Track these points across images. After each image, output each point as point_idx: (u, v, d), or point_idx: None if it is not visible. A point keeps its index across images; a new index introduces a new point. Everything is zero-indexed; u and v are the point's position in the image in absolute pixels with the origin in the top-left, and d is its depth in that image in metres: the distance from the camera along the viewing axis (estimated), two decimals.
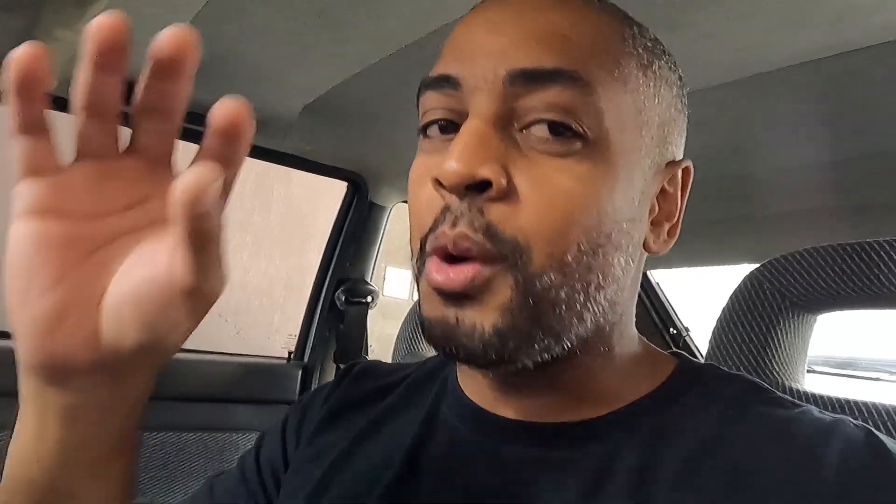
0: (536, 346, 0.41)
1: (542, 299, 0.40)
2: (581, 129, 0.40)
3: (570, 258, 0.40)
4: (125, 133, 0.31)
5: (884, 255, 0.70)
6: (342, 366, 1.21)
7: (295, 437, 0.58)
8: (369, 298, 1.53)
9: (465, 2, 0.45)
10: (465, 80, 0.42)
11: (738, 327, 0.77)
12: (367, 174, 1.43)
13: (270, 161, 1.33)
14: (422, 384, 0.55)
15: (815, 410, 0.43)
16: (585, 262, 0.41)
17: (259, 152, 1.29)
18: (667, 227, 0.48)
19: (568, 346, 0.42)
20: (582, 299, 0.41)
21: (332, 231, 1.52)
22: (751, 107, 0.87)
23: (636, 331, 0.49)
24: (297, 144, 1.27)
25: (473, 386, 0.49)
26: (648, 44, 0.45)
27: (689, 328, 1.78)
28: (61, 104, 1.10)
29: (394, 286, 2.98)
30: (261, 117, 1.11)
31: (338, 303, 1.50)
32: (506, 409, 0.47)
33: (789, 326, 0.76)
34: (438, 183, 0.41)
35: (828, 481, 0.37)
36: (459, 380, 0.52)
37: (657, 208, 0.47)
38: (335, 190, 1.54)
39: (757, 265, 0.79)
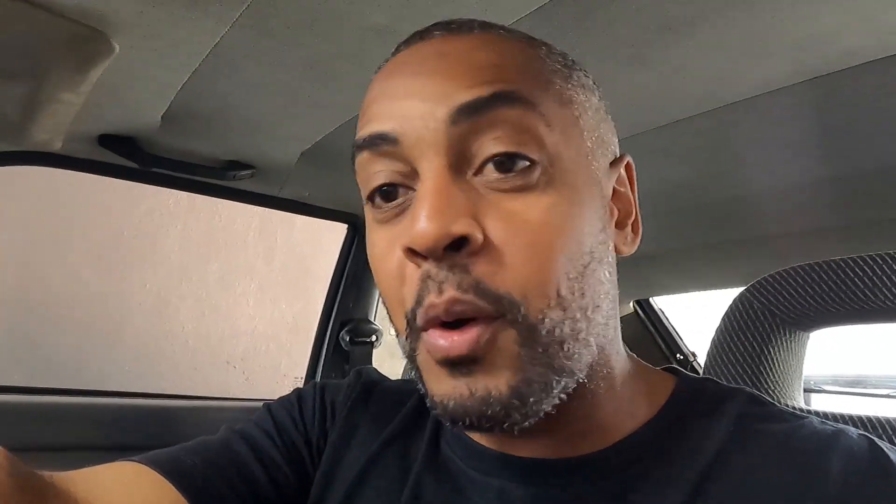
0: (555, 389, 0.39)
1: (551, 342, 0.39)
2: (534, 155, 0.39)
3: (564, 291, 0.39)
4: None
5: (868, 269, 0.71)
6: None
7: (324, 417, 0.56)
8: (373, 338, 1.54)
9: None
10: (405, 133, 0.40)
11: (732, 348, 0.78)
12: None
13: (271, 207, 1.36)
14: (421, 409, 0.54)
15: (816, 421, 0.43)
16: (578, 288, 0.40)
17: (260, 199, 1.32)
18: (629, 225, 0.47)
19: (580, 379, 0.41)
20: (585, 326, 0.40)
21: (334, 272, 1.54)
22: (728, 134, 0.89)
23: (623, 344, 0.48)
24: (296, 190, 1.30)
25: None
26: (560, 58, 0.45)
27: (696, 353, 1.78)
28: (67, 162, 1.14)
29: None
30: (260, 166, 1.15)
31: (342, 343, 1.51)
32: (510, 448, 0.46)
33: (782, 345, 0.77)
34: (412, 251, 0.38)
35: (830, 496, 0.37)
36: None
37: (616, 210, 0.46)
38: (337, 232, 1.57)
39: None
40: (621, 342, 0.48)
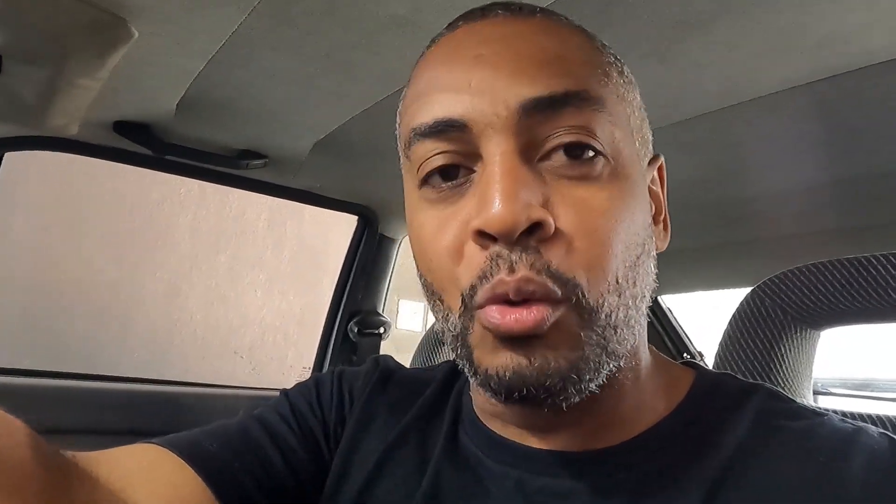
0: (604, 370, 0.40)
1: (606, 326, 0.39)
2: (600, 147, 0.40)
3: (620, 279, 0.40)
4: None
5: (881, 268, 0.71)
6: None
7: (342, 403, 0.56)
8: (381, 329, 1.55)
9: None
10: (475, 120, 0.39)
11: (742, 345, 0.78)
12: (376, 207, 1.46)
13: (283, 197, 1.37)
14: (439, 398, 0.54)
15: (836, 419, 0.43)
16: (631, 276, 0.41)
17: (272, 189, 1.33)
18: (661, 222, 0.48)
19: (621, 364, 0.41)
20: (634, 313, 0.41)
21: (344, 264, 1.55)
22: (745, 131, 0.89)
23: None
24: (308, 181, 1.30)
25: (495, 415, 0.48)
26: (612, 51, 0.46)
27: (703, 353, 1.78)
28: (82, 148, 1.15)
29: (407, 319, 3.00)
30: (273, 156, 1.15)
31: (350, 335, 1.52)
32: (530, 440, 0.46)
33: (792, 342, 0.77)
34: (482, 234, 0.38)
35: (851, 494, 0.37)
36: (476, 407, 0.50)
37: (652, 207, 0.47)
38: (346, 225, 1.57)
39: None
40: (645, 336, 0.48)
